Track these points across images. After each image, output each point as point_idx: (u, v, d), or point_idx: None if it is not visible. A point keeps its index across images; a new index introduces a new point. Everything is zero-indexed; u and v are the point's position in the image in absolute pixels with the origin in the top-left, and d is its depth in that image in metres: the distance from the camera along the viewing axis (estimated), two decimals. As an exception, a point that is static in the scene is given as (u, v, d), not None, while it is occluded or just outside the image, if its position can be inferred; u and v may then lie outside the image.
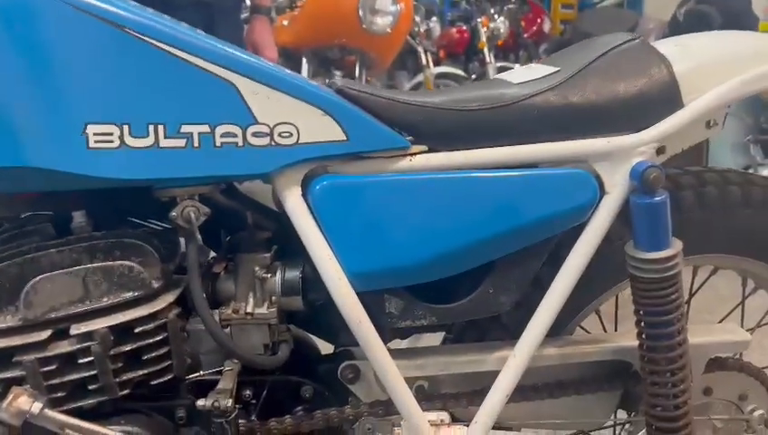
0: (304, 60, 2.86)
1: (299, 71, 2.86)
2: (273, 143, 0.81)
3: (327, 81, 0.94)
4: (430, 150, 0.89)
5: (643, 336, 0.92)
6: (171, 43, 0.77)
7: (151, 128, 0.76)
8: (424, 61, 4.85)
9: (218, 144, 0.79)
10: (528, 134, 0.89)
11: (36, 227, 0.83)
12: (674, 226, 0.89)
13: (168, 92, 0.77)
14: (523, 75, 0.95)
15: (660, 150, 0.91)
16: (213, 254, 0.98)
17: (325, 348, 1.07)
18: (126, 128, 0.75)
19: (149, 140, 0.76)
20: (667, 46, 0.93)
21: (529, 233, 0.89)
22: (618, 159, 0.89)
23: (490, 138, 0.89)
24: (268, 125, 0.81)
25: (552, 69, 0.94)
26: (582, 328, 1.11)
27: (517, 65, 5.41)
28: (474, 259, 0.89)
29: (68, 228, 0.84)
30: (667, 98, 0.89)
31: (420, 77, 5.31)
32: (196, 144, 0.78)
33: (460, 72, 5.34)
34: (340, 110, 0.84)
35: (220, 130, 0.79)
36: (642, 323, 0.92)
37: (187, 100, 0.78)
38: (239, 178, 0.85)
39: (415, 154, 0.89)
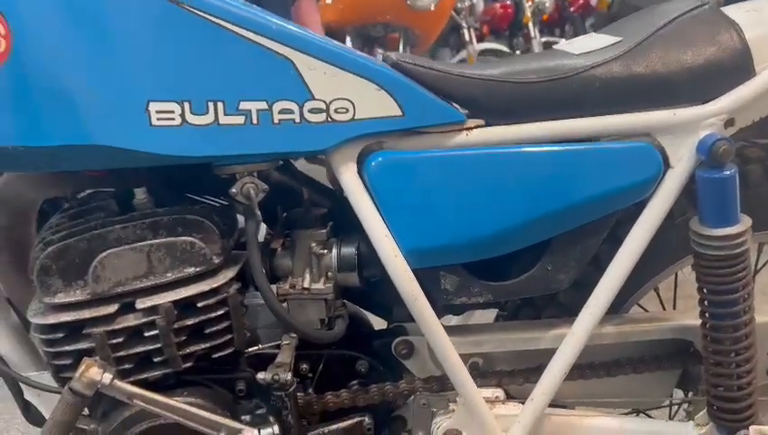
0: (348, 38, 2.85)
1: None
2: (329, 119, 0.81)
3: (382, 54, 0.93)
4: (487, 124, 0.88)
5: (706, 315, 0.89)
6: (228, 18, 0.77)
7: (211, 105, 0.77)
8: (467, 37, 4.78)
9: (276, 121, 0.79)
10: (589, 107, 0.87)
11: (100, 203, 0.86)
12: (740, 200, 0.86)
13: (227, 69, 0.78)
14: (584, 46, 0.92)
15: (729, 123, 0.87)
16: (264, 227, 0.99)
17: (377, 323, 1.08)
18: (186, 105, 0.76)
19: (210, 118, 0.77)
20: (737, 11, 0.89)
21: (590, 209, 0.87)
22: (684, 131, 0.85)
23: (550, 111, 0.87)
24: (324, 101, 0.80)
25: (614, 39, 0.91)
26: (640, 306, 1.08)
27: (563, 40, 5.26)
28: (532, 236, 0.88)
29: (130, 205, 0.86)
30: (737, 66, 0.85)
31: (463, 54, 5.24)
32: (254, 121, 0.78)
33: (504, 48, 5.23)
34: (396, 84, 0.83)
35: (278, 106, 0.79)
36: (706, 302, 0.89)
37: (244, 76, 0.78)
38: (297, 154, 0.85)
39: (471, 128, 0.87)
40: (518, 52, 5.46)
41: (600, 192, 0.86)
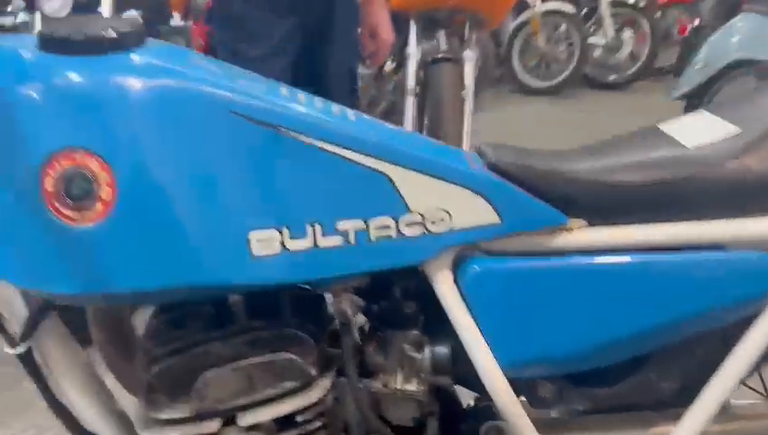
0: (412, 21, 2.74)
1: (407, 32, 2.76)
2: (425, 232, 0.78)
3: (477, 147, 0.89)
4: (590, 224, 0.83)
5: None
6: (324, 138, 0.75)
7: (309, 228, 0.75)
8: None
9: (373, 238, 0.77)
10: (703, 209, 0.81)
11: (198, 311, 0.86)
12: None
13: (323, 189, 0.76)
14: (697, 135, 0.85)
15: None
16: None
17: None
18: (285, 230, 0.74)
19: (308, 242, 0.75)
20: None
21: (700, 322, 0.82)
22: (808, 242, 0.79)
23: (657, 212, 0.82)
24: (420, 213, 0.78)
25: (730, 128, 0.84)
26: (744, 383, 1.03)
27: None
28: (637, 349, 0.84)
29: (226, 306, 0.86)
30: None
31: (525, 15, 5.02)
32: (352, 241, 0.76)
33: (569, 8, 4.99)
34: (493, 189, 0.80)
35: (374, 223, 0.77)
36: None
37: (341, 195, 0.76)
38: (392, 268, 0.83)
39: (572, 229, 0.83)
40: (584, 11, 5.20)
41: (712, 304, 0.81)
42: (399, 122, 3.12)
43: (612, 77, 5.32)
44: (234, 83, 0.75)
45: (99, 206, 0.68)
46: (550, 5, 4.94)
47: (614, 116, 4.82)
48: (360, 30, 1.98)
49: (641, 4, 5.07)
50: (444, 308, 0.83)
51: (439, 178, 0.78)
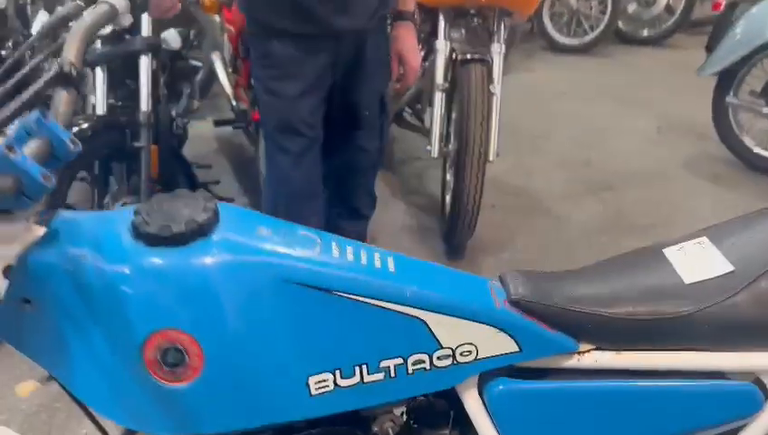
0: (441, 16, 2.76)
1: (436, 24, 2.78)
2: (454, 363, 0.93)
3: (500, 276, 1.01)
4: (598, 349, 0.97)
5: None
6: (369, 295, 0.88)
7: (357, 368, 0.90)
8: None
9: (410, 372, 0.92)
10: (697, 341, 0.94)
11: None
12: None
13: (369, 336, 0.90)
14: (697, 268, 0.96)
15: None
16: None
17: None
18: (338, 372, 0.89)
19: (356, 379, 0.90)
20: None
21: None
22: (791, 378, 0.92)
23: (656, 341, 0.95)
24: (451, 348, 0.92)
25: (726, 267, 0.95)
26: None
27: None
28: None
29: None
30: None
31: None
32: (392, 375, 0.91)
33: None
34: (515, 325, 0.93)
35: (411, 359, 0.91)
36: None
37: (384, 339, 0.90)
38: (425, 394, 0.98)
39: (582, 353, 0.97)
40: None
41: (707, 423, 0.95)
42: (426, 111, 3.17)
43: (646, 32, 5.20)
44: (292, 251, 0.88)
45: (190, 371, 0.84)
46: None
47: (650, 73, 4.75)
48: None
49: (678, -44, 4.90)
50: (471, 420, 0.99)
51: (469, 319, 0.92)
